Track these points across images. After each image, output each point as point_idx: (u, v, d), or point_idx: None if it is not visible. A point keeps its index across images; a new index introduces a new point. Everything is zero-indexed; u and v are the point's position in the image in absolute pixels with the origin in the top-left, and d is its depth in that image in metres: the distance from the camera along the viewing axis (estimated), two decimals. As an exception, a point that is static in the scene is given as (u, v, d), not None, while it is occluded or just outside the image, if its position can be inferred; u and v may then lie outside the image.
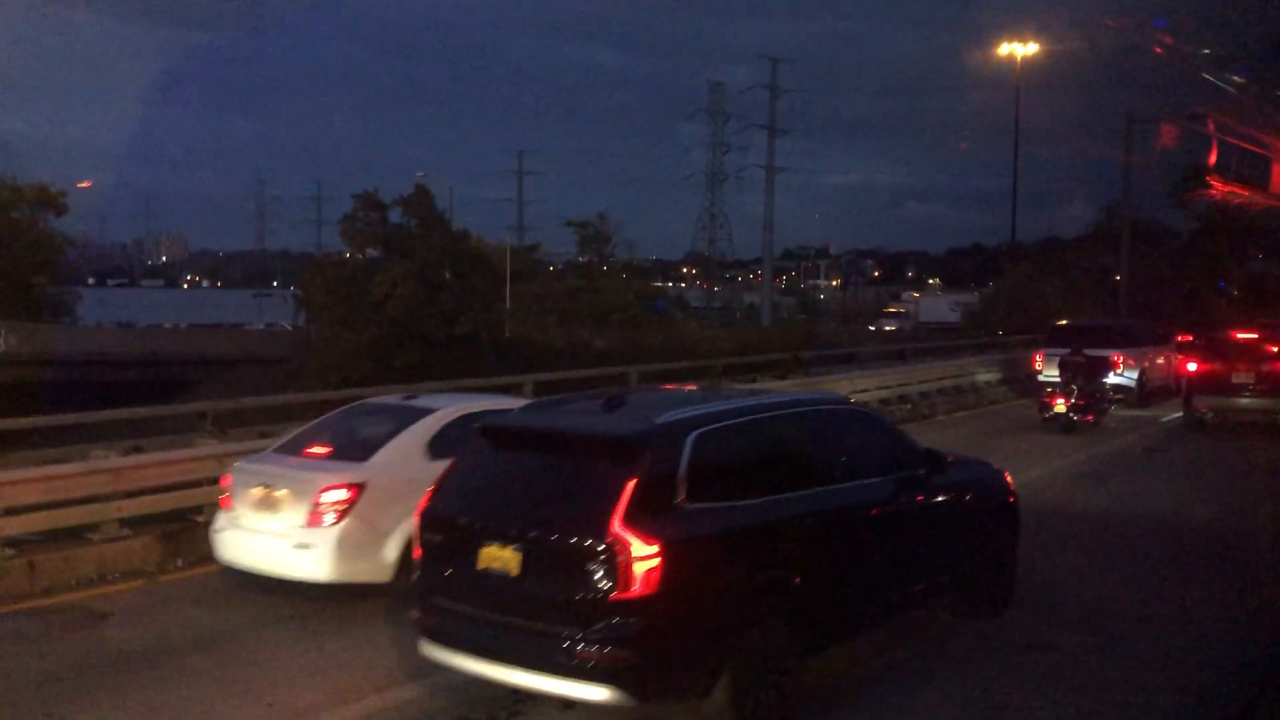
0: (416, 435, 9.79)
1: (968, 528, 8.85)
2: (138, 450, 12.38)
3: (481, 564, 6.77)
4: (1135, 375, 24.18)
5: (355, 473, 9.25)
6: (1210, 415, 20.86)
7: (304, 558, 8.92)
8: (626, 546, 6.27)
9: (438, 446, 9.50)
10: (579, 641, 6.33)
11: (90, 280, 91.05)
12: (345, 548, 8.95)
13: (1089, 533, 12.16)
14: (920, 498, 8.34)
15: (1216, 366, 20.97)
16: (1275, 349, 20.99)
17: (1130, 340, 25.00)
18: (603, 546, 6.32)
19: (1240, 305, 43.12)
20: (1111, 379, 22.18)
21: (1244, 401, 20.51)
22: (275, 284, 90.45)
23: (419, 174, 62.59)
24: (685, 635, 6.51)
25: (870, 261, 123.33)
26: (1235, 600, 9.53)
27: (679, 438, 6.85)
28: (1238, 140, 29.11)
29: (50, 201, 43.50)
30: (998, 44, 48.43)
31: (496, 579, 6.71)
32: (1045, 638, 8.51)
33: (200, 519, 11.25)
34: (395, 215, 41.89)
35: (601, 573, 6.33)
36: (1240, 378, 20.53)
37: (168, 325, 60.54)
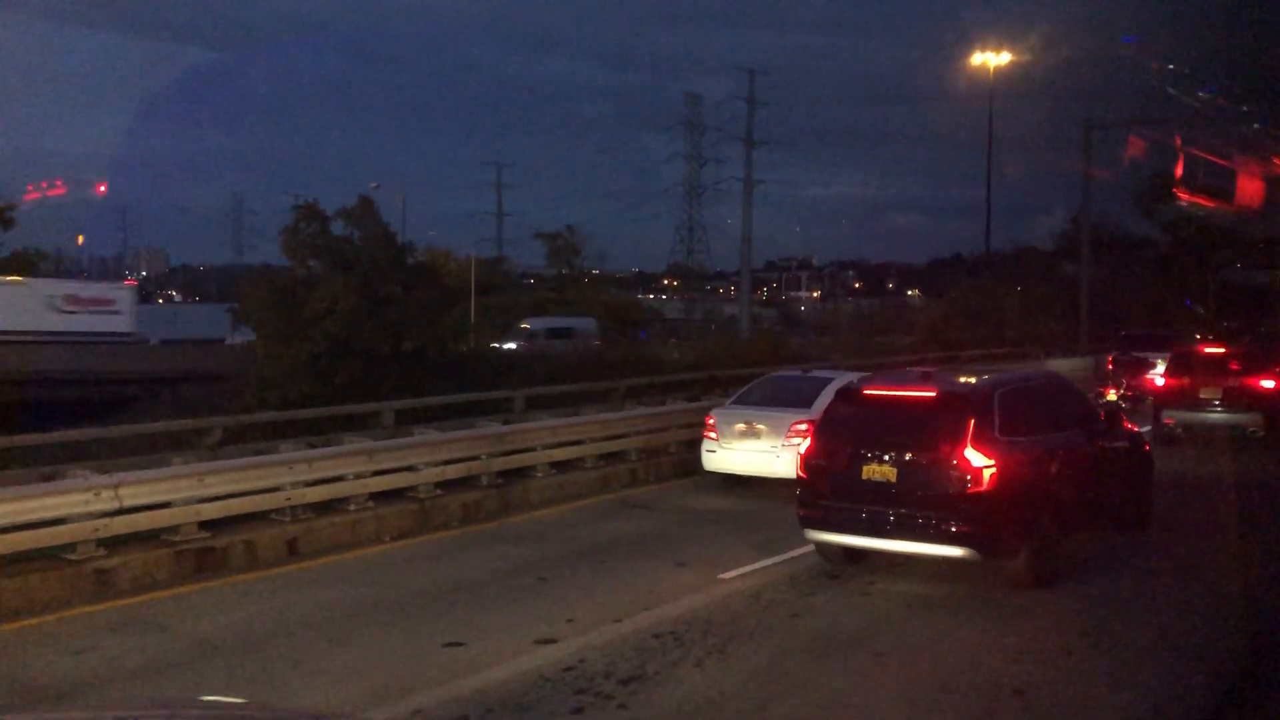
0: (831, 391, 13.98)
1: (1128, 466, 12.48)
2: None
3: (865, 476, 10.48)
4: None
5: (808, 415, 14.57)
6: (1179, 430, 20.50)
7: (779, 463, 15.04)
8: (977, 461, 9.97)
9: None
10: (945, 520, 10.08)
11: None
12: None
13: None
14: (1103, 443, 12.02)
15: (1184, 381, 20.63)
16: (1242, 364, 20.71)
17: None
18: (959, 460, 10.07)
19: (1212, 318, 41.17)
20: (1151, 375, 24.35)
21: (1212, 416, 20.25)
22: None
23: (371, 185, 60.21)
24: (1008, 516, 10.11)
25: (851, 273, 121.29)
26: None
27: (991, 393, 10.85)
28: (1203, 152, 28.84)
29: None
30: (973, 55, 46.75)
31: (878, 485, 10.39)
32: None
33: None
34: (339, 228, 39.55)
35: (959, 477, 10.05)
36: (1208, 393, 20.28)
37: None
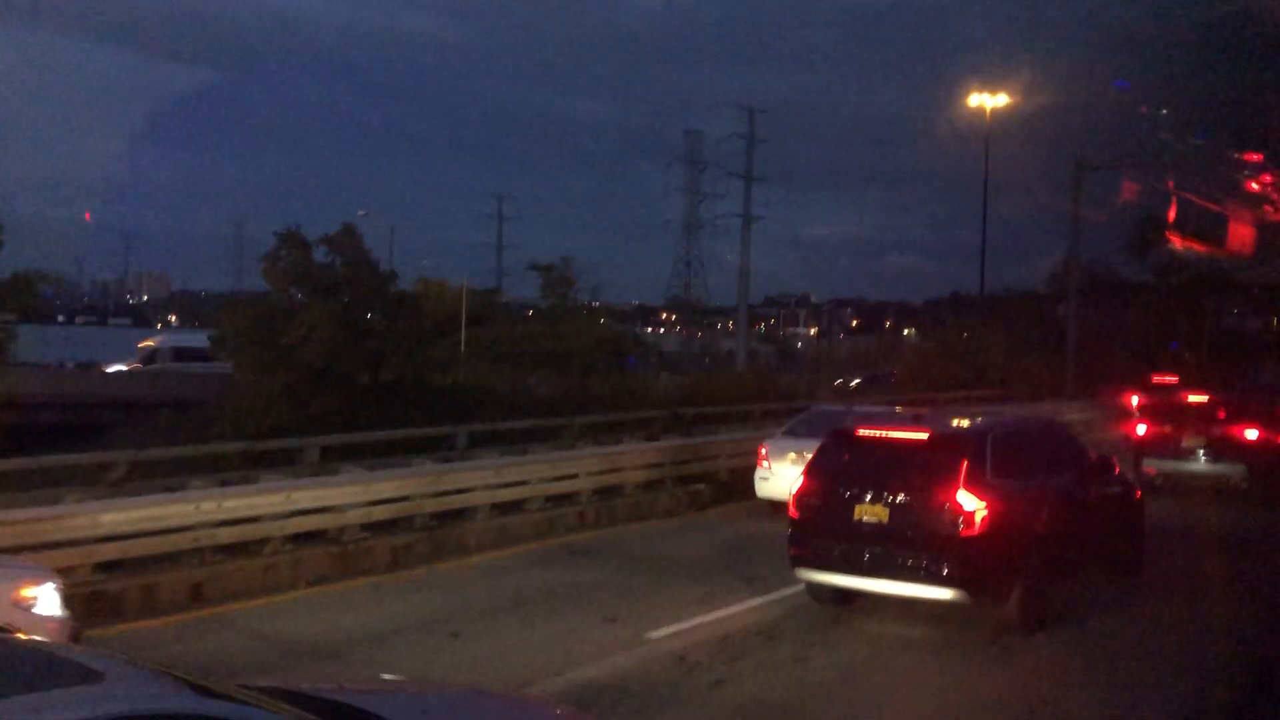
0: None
1: (1120, 511, 12.42)
2: None
3: (857, 516, 10.39)
4: None
5: None
6: (1160, 480, 19.53)
7: None
8: (969, 503, 9.94)
9: None
10: (935, 562, 9.99)
11: (60, 318, 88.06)
12: None
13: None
14: (1095, 488, 12.00)
15: (1166, 429, 19.89)
16: (1226, 412, 19.89)
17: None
18: (951, 503, 10.01)
19: (1206, 363, 40.25)
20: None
21: (1195, 467, 19.40)
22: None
23: (360, 212, 59.63)
24: (999, 559, 10.08)
25: (850, 310, 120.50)
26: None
27: (984, 436, 10.80)
28: (1196, 197, 28.54)
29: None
30: (970, 97, 46.17)
31: (870, 525, 10.31)
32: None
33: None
34: (322, 255, 38.75)
35: (951, 518, 9.98)
36: (1191, 441, 19.46)
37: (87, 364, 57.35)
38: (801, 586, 11.79)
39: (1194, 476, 19.47)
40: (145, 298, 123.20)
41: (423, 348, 39.34)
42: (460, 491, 14.59)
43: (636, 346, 70.55)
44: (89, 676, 3.86)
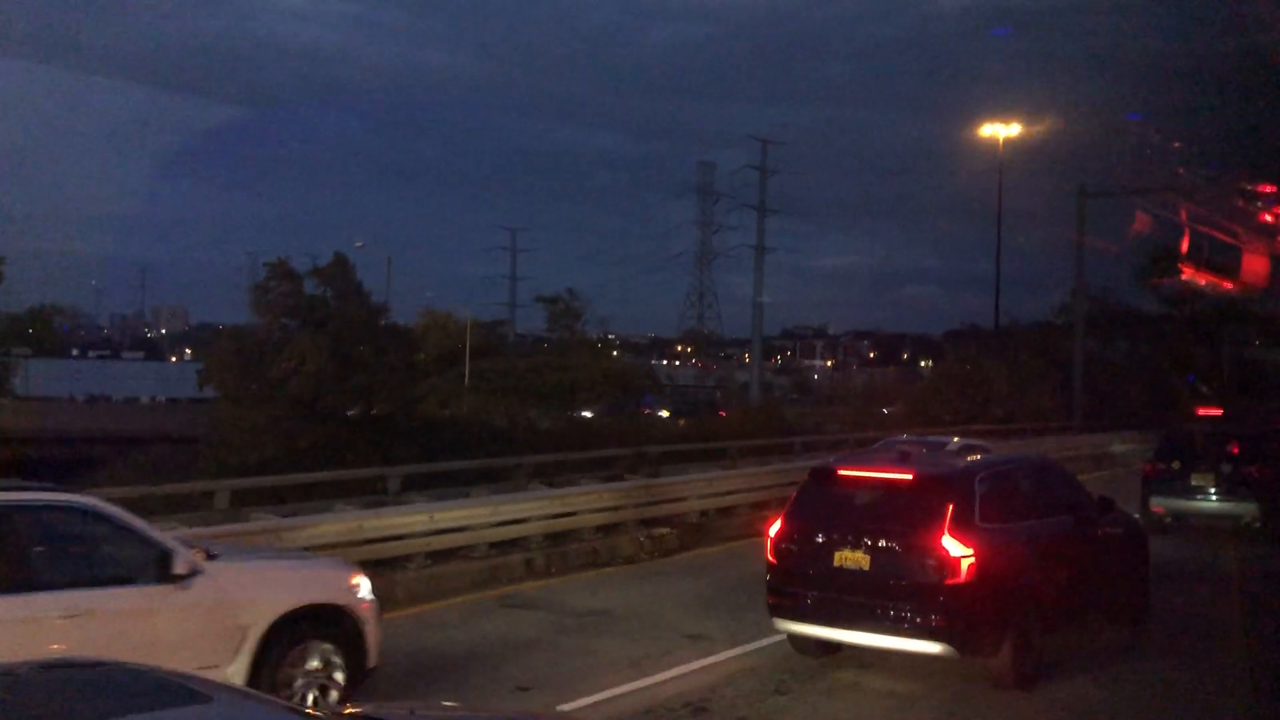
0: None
1: (1122, 556, 11.53)
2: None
3: (837, 563, 9.67)
4: None
5: None
6: (1169, 519, 18.58)
7: None
8: (955, 550, 9.18)
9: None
10: (920, 613, 9.19)
11: (74, 352, 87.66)
12: None
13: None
14: (1095, 530, 11.13)
15: (1174, 466, 18.76)
16: (1238, 448, 18.70)
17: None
18: (937, 549, 9.24)
19: (1223, 396, 38.67)
20: None
21: (1205, 505, 18.46)
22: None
23: (356, 243, 58.80)
24: (987, 610, 9.29)
25: (867, 342, 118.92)
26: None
27: (972, 477, 10.07)
28: (1208, 228, 28.27)
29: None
30: (985, 127, 45.24)
31: (850, 572, 9.55)
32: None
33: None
34: (312, 286, 37.80)
35: (935, 566, 9.22)
36: (1200, 479, 18.45)
37: (80, 398, 56.67)
38: (751, 646, 10.82)
39: (1204, 515, 18.49)
40: (163, 331, 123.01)
41: (413, 381, 38.22)
42: (392, 539, 13.34)
43: (645, 379, 69.42)
44: (197, 698, 4.11)
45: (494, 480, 19.08)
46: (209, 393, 39.15)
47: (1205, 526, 18.50)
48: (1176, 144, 28.37)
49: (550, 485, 17.53)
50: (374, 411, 37.21)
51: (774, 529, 10.35)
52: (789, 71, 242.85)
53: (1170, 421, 27.10)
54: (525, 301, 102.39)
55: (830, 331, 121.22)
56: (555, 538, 15.41)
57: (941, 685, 9.75)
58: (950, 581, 9.12)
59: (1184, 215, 29.02)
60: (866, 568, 9.44)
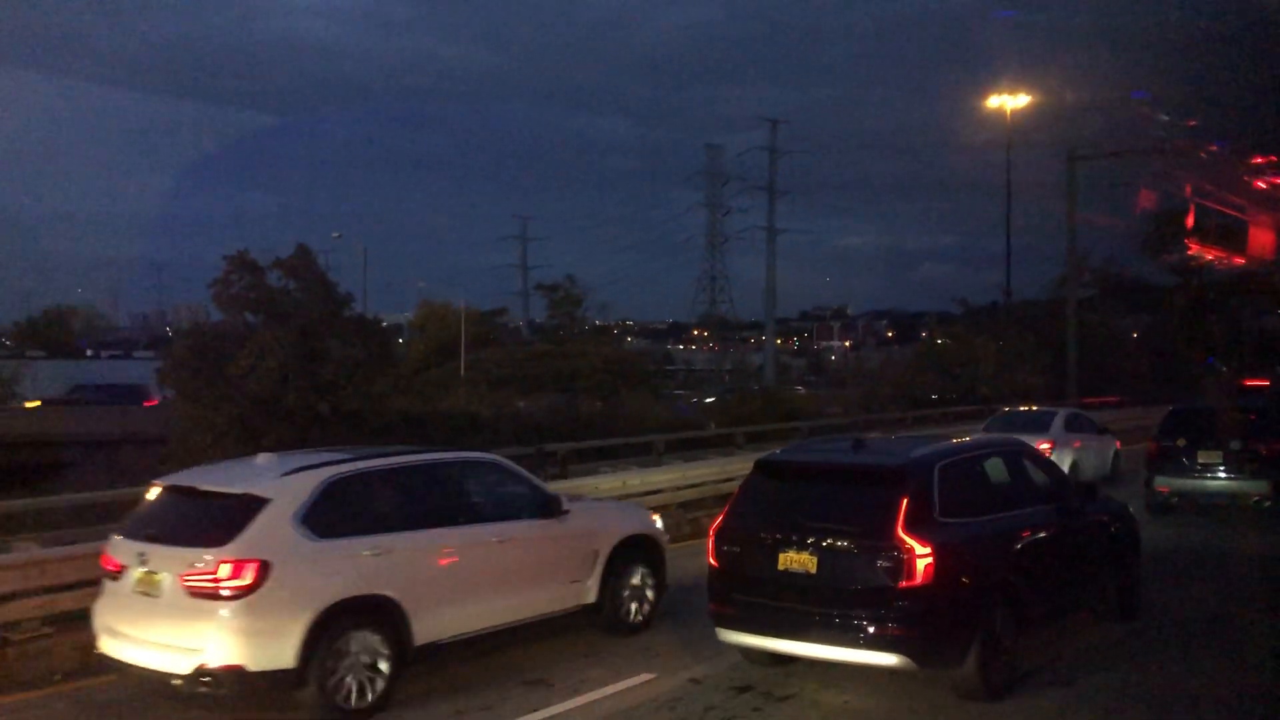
0: (1061, 418, 21.01)
1: (1109, 548, 10.48)
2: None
3: (782, 565, 8.31)
4: None
5: (1048, 437, 19.52)
6: (1175, 499, 17.48)
7: None
8: (909, 548, 7.82)
9: (1072, 422, 21.28)
10: (872, 621, 7.89)
11: (89, 352, 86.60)
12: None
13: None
14: (1078, 522, 9.88)
15: (1180, 443, 17.50)
16: (1246, 423, 17.41)
17: None
18: (890, 548, 7.88)
19: (1240, 370, 36.01)
20: None
21: (1212, 483, 17.16)
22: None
23: (334, 234, 56.95)
24: (949, 615, 8.01)
25: (885, 322, 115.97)
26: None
27: (930, 466, 8.56)
28: (1214, 203, 27.54)
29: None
30: (991, 98, 43.01)
31: (795, 576, 8.22)
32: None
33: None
34: (276, 279, 35.77)
35: (889, 568, 7.85)
36: (1207, 456, 17.18)
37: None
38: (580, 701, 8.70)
39: (1211, 494, 17.19)
40: (184, 329, 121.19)
41: (383, 375, 36.10)
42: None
43: (649, 365, 67.12)
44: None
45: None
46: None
47: (1213, 506, 17.27)
48: (1191, 122, 27.55)
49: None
50: (347, 406, 35.12)
51: (715, 529, 9.04)
52: (798, 53, 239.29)
53: (1180, 397, 25.42)
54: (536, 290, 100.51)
55: (849, 312, 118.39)
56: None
57: (904, 695, 8.53)
58: (905, 585, 7.83)
59: (1189, 190, 27.90)
60: (813, 571, 8.17)
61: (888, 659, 7.96)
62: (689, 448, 24.19)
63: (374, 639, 8.11)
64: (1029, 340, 34.25)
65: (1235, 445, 16.88)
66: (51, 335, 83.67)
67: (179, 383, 33.56)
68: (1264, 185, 24.35)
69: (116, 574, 8.25)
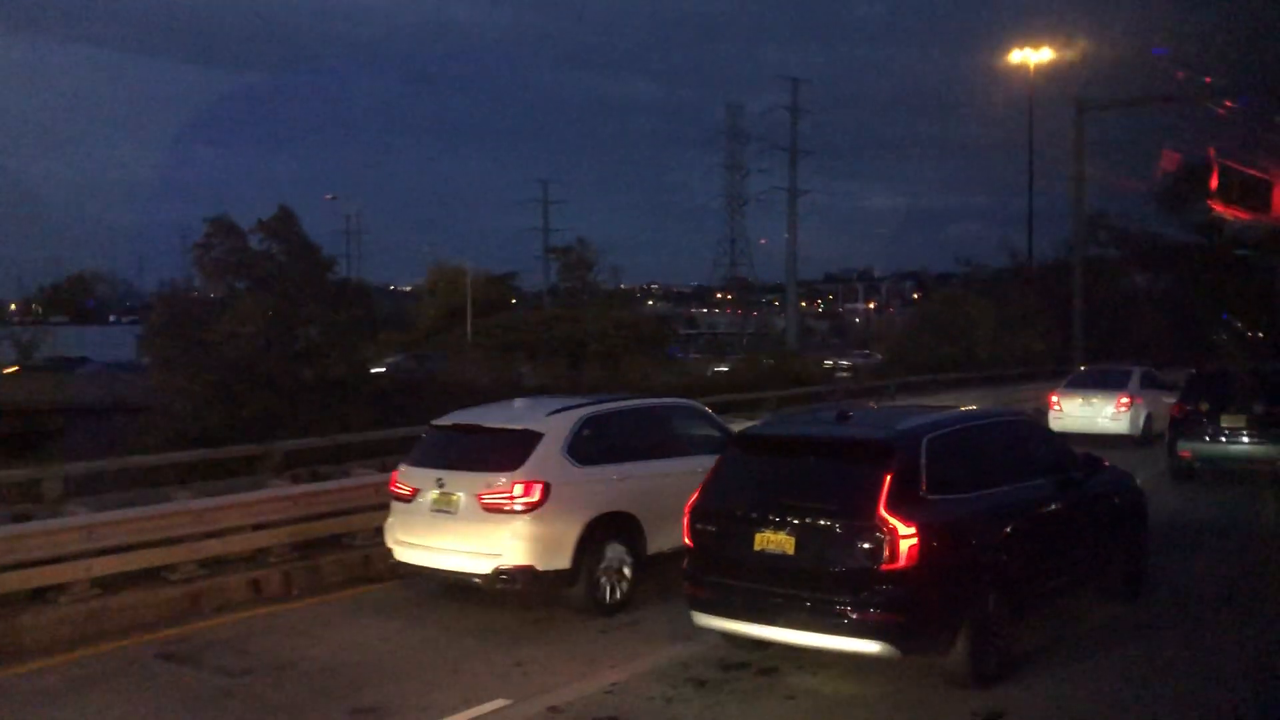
0: (1137, 375, 22.64)
1: (1114, 522, 9.73)
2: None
3: (758, 546, 7.74)
4: None
5: (1127, 392, 21.96)
6: (1197, 464, 17.12)
7: (1110, 423, 21.86)
8: (893, 528, 7.23)
9: (1147, 379, 22.84)
10: (853, 605, 7.31)
11: (111, 319, 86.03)
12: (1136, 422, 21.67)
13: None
14: (1081, 496, 9.14)
15: (1203, 407, 17.12)
16: (1272, 386, 16.97)
17: None
18: (872, 528, 7.28)
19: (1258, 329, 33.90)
20: None
21: (1236, 448, 16.71)
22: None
23: (327, 195, 55.46)
24: (935, 599, 7.42)
25: (910, 283, 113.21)
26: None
27: (917, 440, 7.91)
28: (1237, 163, 25.34)
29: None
30: (1021, 61, 40.96)
31: (773, 558, 7.65)
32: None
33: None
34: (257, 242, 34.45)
35: (871, 549, 7.27)
36: (1231, 420, 16.73)
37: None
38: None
39: (1235, 459, 16.76)
40: (211, 295, 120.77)
41: (366, 340, 34.70)
42: (40, 563, 9.60)
43: (667, 329, 65.18)
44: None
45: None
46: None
47: (1236, 471, 16.77)
48: (1208, 78, 27.05)
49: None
50: (331, 375, 33.79)
51: (691, 506, 8.39)
52: (827, 9, 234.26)
53: (1200, 360, 24.70)
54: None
55: (876, 274, 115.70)
56: (307, 547, 11.43)
57: (888, 681, 7.94)
58: (888, 568, 7.28)
59: (1213, 151, 25.88)
60: (790, 552, 7.62)
61: (869, 646, 7.41)
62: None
63: (621, 549, 9.81)
64: (1031, 302, 32.07)
65: (1259, 409, 16.40)
66: (75, 302, 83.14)
67: (155, 350, 32.37)
68: None
69: (409, 497, 9.98)
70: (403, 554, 9.95)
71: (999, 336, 29.91)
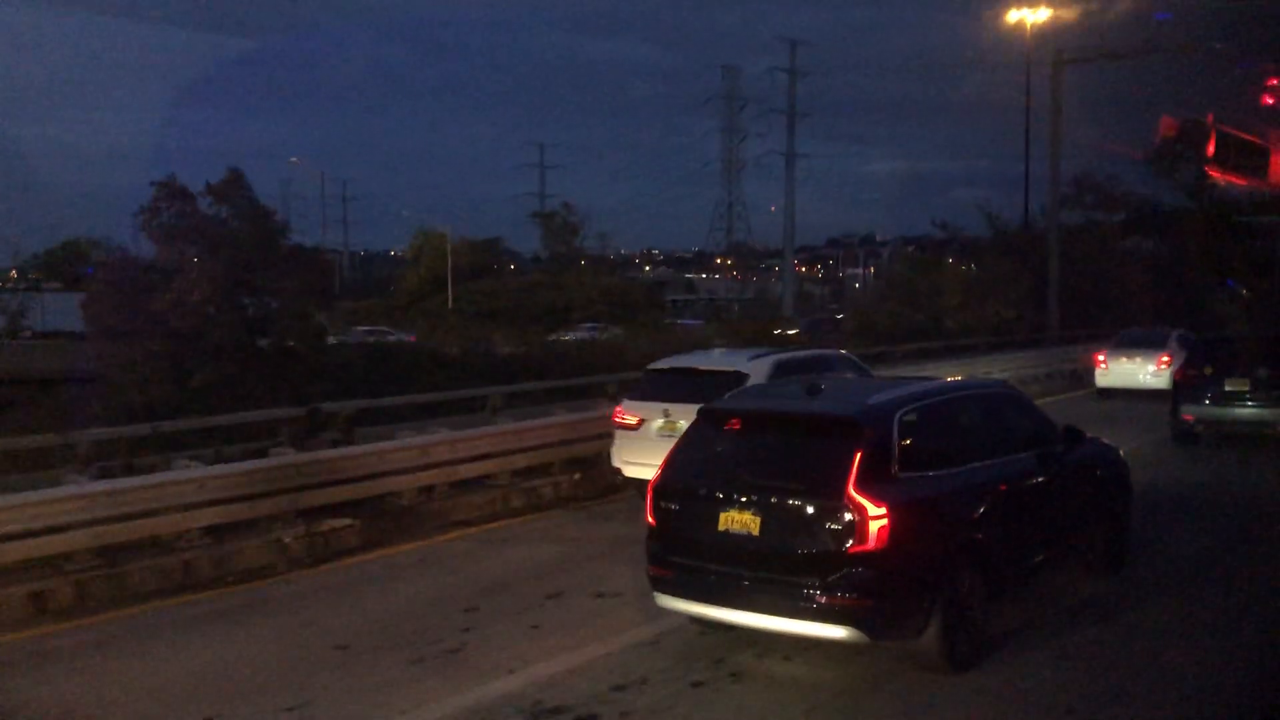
0: (1174, 337, 24.22)
1: (1096, 495, 9.55)
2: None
3: (722, 526, 7.37)
4: None
5: (1165, 351, 23.38)
6: (1200, 428, 17.14)
7: (1151, 379, 23.11)
8: (861, 508, 6.89)
9: (1182, 341, 23.22)
10: (820, 589, 6.95)
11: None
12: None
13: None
14: (1063, 470, 8.86)
15: (1206, 371, 17.18)
16: (1275, 351, 17.00)
17: None
18: (840, 508, 6.94)
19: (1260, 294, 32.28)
20: None
21: (1240, 412, 16.73)
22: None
23: (291, 159, 53.70)
24: (907, 582, 7.10)
25: (912, 249, 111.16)
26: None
27: (889, 415, 7.55)
28: (1234, 130, 26.35)
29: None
30: (1018, 20, 39.26)
31: (737, 538, 7.30)
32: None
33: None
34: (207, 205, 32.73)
35: (839, 530, 6.92)
36: (1234, 384, 16.73)
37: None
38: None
39: (1237, 423, 16.75)
40: (159, 262, 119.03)
41: (308, 311, 33.12)
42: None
43: (656, 296, 63.52)
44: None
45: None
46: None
47: (1240, 436, 16.79)
48: (1219, 46, 27.04)
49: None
50: (286, 344, 32.39)
51: (654, 484, 7.99)
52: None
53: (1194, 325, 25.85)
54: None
55: (878, 239, 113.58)
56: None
57: (859, 668, 7.58)
58: (856, 549, 6.96)
59: (1210, 118, 26.65)
60: (756, 532, 7.29)
61: (837, 631, 7.08)
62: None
63: None
64: (1005, 267, 30.31)
65: (1263, 374, 16.32)
66: (69, 268, 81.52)
67: (96, 318, 30.87)
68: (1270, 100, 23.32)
69: (635, 426, 12.27)
70: (631, 471, 12.20)
71: (968, 303, 28.29)
